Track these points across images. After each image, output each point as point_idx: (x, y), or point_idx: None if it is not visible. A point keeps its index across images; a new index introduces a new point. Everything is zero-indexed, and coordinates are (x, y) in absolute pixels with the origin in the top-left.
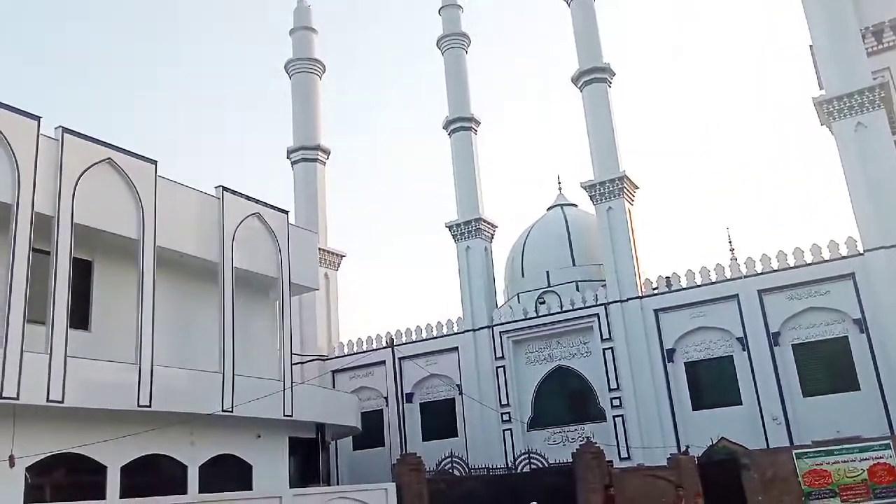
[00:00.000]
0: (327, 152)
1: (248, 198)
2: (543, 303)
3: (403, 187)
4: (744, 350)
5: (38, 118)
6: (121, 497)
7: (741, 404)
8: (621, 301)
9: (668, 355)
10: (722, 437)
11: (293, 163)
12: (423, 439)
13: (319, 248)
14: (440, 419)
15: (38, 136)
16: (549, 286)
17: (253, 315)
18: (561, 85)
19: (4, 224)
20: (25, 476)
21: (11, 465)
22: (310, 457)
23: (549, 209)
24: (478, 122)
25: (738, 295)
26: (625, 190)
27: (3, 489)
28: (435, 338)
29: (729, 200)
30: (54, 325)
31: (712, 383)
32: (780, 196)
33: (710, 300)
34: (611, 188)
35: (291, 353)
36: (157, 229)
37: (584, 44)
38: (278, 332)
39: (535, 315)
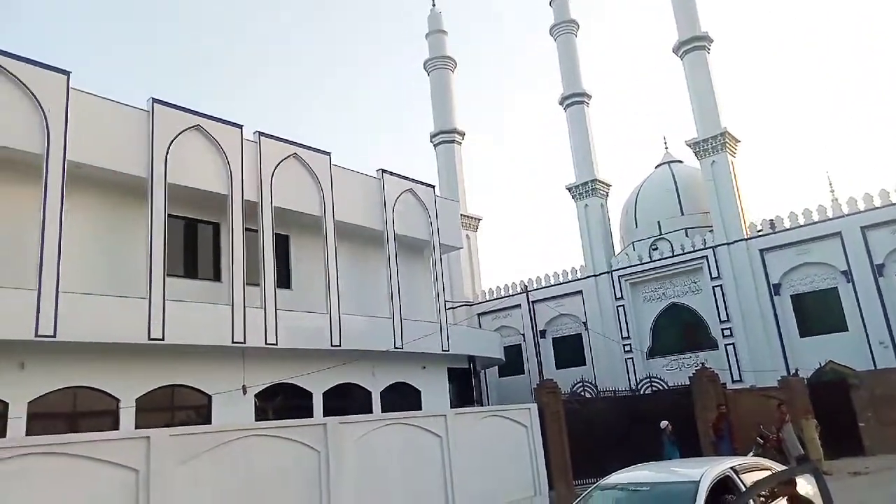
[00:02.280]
0: (462, 134)
1: (402, 177)
2: (656, 249)
3: (529, 156)
4: (848, 282)
5: (240, 126)
6: (325, 416)
7: (847, 331)
8: (728, 244)
9: (775, 289)
10: (829, 361)
11: (435, 145)
12: (556, 368)
13: (461, 214)
14: (570, 351)
15: (241, 139)
16: (661, 234)
17: (412, 271)
18: (662, 56)
19: (220, 210)
20: (254, 400)
21: (244, 392)
22: (464, 383)
23: (657, 166)
24: (589, 96)
25: (840, 232)
26: (727, 144)
27: (240, 410)
28: (561, 283)
29: (828, 144)
30: (265, 287)
31: (818, 313)
32: (878, 137)
33: (814, 238)
34: (713, 144)
35: (444, 301)
36: (335, 207)
37: (683, 15)
38: (433, 284)
39: (649, 260)
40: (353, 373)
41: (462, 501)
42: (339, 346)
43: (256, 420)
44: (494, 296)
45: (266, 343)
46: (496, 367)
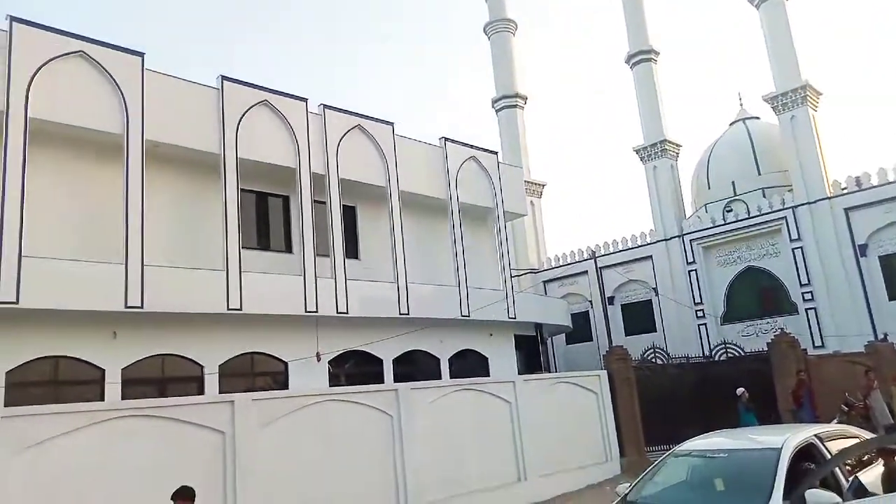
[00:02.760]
0: (525, 98)
1: (465, 144)
2: (730, 210)
3: (595, 118)
4: None
5: (305, 100)
6: (395, 381)
7: None
8: (809, 203)
9: (861, 250)
10: None
11: (497, 110)
12: (626, 335)
13: (525, 181)
14: (639, 317)
15: (307, 112)
16: (736, 195)
17: (476, 239)
18: (735, 7)
19: (288, 183)
20: (328, 367)
21: (318, 359)
22: (531, 350)
23: (731, 124)
24: (657, 53)
25: None
26: (807, 98)
27: (315, 376)
28: (630, 248)
29: None
30: (335, 257)
31: None
32: None
33: None
34: (793, 98)
35: (510, 268)
36: (399, 177)
37: None
38: (497, 252)
39: (723, 222)
40: (421, 340)
41: (533, 466)
42: (408, 314)
43: (330, 386)
44: (560, 263)
45: (337, 312)
46: (563, 334)
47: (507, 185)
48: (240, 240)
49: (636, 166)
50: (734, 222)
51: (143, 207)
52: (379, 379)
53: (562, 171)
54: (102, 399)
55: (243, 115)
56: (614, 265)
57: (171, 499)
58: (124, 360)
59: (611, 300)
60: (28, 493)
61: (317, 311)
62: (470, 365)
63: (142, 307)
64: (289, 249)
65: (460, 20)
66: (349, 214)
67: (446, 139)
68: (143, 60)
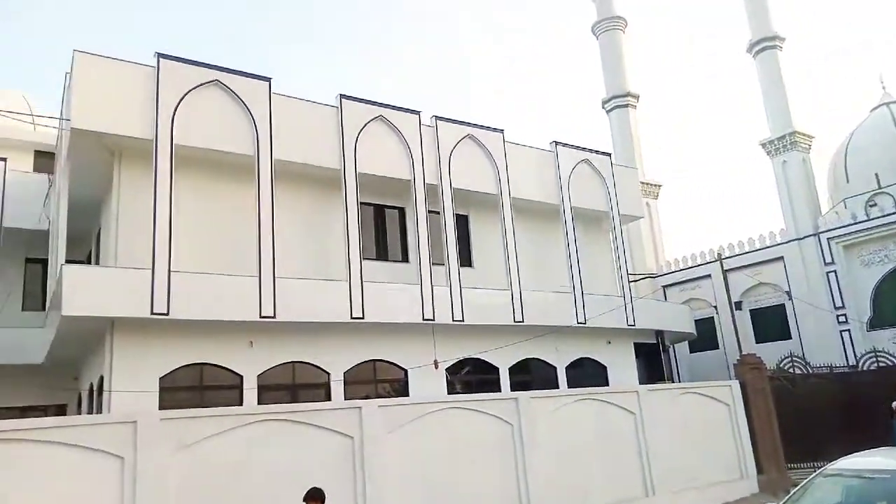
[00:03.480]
0: (636, 97)
1: (577, 147)
2: (875, 205)
3: (713, 113)
4: None
5: (417, 112)
6: (511, 390)
7: None
8: None
9: None
10: None
11: (608, 111)
12: (756, 342)
13: (640, 182)
14: (771, 323)
15: (420, 125)
16: (880, 188)
17: (590, 244)
18: None
19: (403, 195)
20: (445, 374)
21: (436, 367)
22: (652, 359)
23: (872, 110)
24: (782, 39)
25: None
26: None
27: (433, 383)
28: (758, 249)
29: None
30: (449, 266)
31: None
32: None
33: None
34: None
35: (627, 273)
36: (510, 184)
37: None
38: (613, 256)
39: (866, 218)
40: (536, 348)
41: (661, 481)
42: (522, 321)
43: (448, 393)
44: (680, 266)
45: (453, 320)
46: (686, 341)
47: (621, 187)
48: (360, 251)
49: (762, 161)
50: (879, 217)
51: (273, 223)
52: (495, 387)
53: (679, 171)
54: (241, 403)
55: (361, 130)
56: (741, 267)
57: (304, 500)
58: (259, 366)
59: (738, 305)
60: (185, 488)
61: (433, 319)
62: (587, 374)
63: (274, 317)
64: (405, 259)
65: (562, 21)
66: (462, 223)
67: (557, 143)
68: (269, 85)
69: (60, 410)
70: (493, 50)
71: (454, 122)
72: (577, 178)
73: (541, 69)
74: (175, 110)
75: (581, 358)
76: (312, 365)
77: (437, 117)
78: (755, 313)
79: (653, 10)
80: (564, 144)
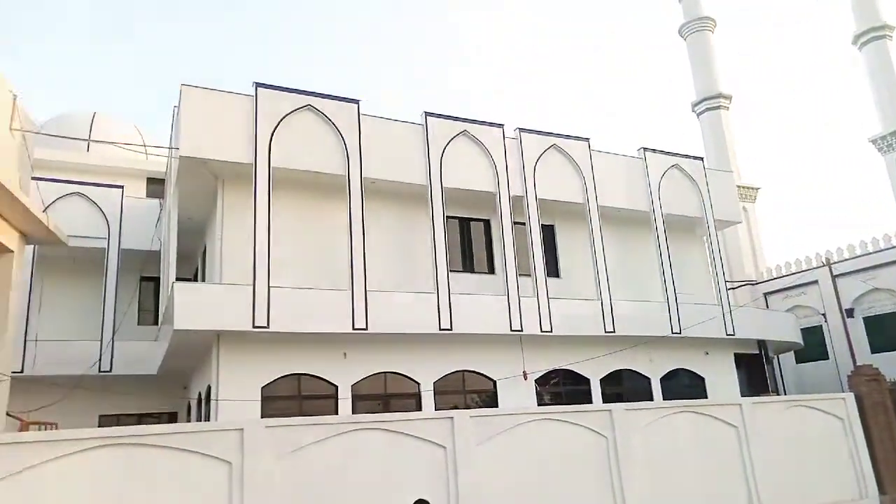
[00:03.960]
0: (729, 98)
1: (666, 152)
2: None
3: (812, 112)
4: None
5: (501, 125)
6: (603, 401)
7: None
8: None
9: None
10: None
11: (698, 114)
12: (872, 352)
13: (736, 185)
14: (889, 332)
15: (504, 137)
16: None
17: (683, 251)
18: None
19: (488, 207)
20: (535, 385)
21: (525, 378)
22: (755, 370)
23: None
24: (892, 28)
25: None
26: None
27: (522, 394)
28: (872, 253)
29: None
30: (536, 277)
31: None
32: None
33: None
34: None
35: (724, 281)
36: (597, 192)
37: None
38: (709, 264)
39: None
40: (629, 359)
41: (768, 497)
42: (613, 332)
43: (537, 404)
44: (783, 272)
45: (541, 330)
46: (792, 352)
47: (715, 191)
48: (447, 264)
49: (873, 159)
50: None
51: (364, 239)
52: (586, 398)
53: (778, 173)
54: (336, 412)
55: (446, 146)
56: (853, 272)
57: None
58: (353, 377)
59: (850, 312)
60: (287, 493)
61: (521, 330)
62: (684, 385)
63: (366, 329)
64: (491, 271)
65: (646, 25)
66: (548, 233)
67: (645, 149)
68: (358, 106)
69: (172, 418)
70: (568, 57)
71: (538, 132)
72: (668, 184)
73: (617, 76)
74: (272, 135)
75: (676, 369)
76: (403, 375)
77: (520, 129)
78: (870, 321)
79: (742, 6)
80: (654, 150)
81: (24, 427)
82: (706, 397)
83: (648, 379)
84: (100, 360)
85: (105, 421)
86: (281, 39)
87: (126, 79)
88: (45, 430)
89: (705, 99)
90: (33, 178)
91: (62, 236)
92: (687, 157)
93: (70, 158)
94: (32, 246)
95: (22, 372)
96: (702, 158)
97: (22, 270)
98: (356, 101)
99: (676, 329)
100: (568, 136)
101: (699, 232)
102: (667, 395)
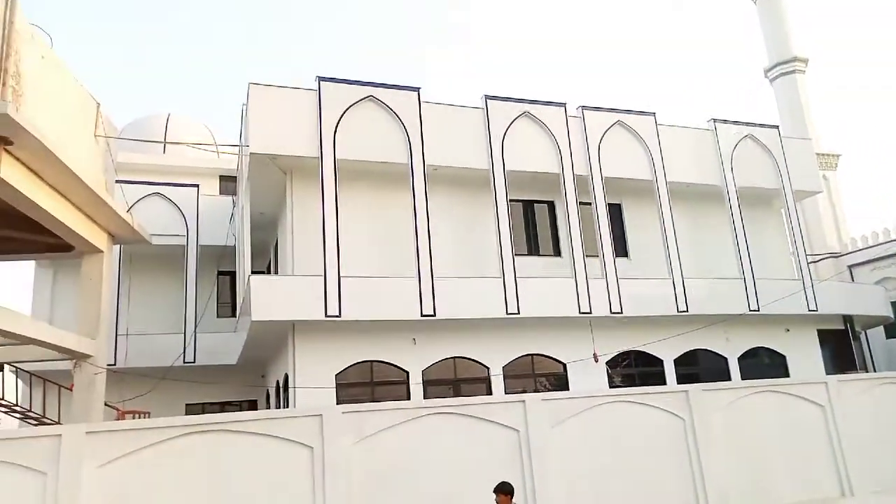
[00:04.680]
0: (805, 61)
1: (738, 122)
2: None
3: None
4: None
5: (563, 104)
6: (677, 382)
7: None
8: None
9: None
10: None
11: (771, 80)
12: None
13: (815, 153)
14: None
15: (566, 116)
16: None
17: (759, 225)
18: None
19: (552, 188)
20: (606, 368)
21: (595, 360)
22: (840, 347)
23: None
24: None
25: None
26: None
27: (593, 377)
28: None
29: None
30: (604, 257)
31: None
32: None
33: None
34: None
35: (805, 254)
36: (665, 168)
37: None
38: (788, 237)
39: None
40: (704, 338)
41: (860, 481)
42: (686, 311)
43: (609, 387)
44: (869, 243)
45: (611, 312)
46: (881, 326)
47: (793, 161)
48: (512, 247)
49: None
50: None
51: (428, 226)
52: (659, 380)
53: (860, 139)
54: (408, 397)
55: (507, 129)
56: None
57: (494, 492)
58: (423, 362)
59: None
60: (365, 476)
61: (590, 312)
62: (763, 364)
63: (434, 315)
64: (557, 253)
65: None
66: (615, 212)
67: (716, 120)
68: (418, 94)
69: (252, 405)
70: (626, 29)
71: (602, 109)
72: (741, 156)
73: (680, 47)
74: (336, 127)
75: (755, 347)
76: (472, 360)
77: (583, 107)
78: None
79: None
80: (724, 121)
81: (121, 416)
82: (788, 376)
83: (725, 358)
84: (184, 352)
85: (190, 409)
86: (266, 28)
87: (168, 76)
88: (139, 418)
89: (778, 63)
90: (117, 182)
91: (146, 235)
92: (761, 125)
93: (148, 160)
94: (119, 246)
95: (115, 365)
96: (777, 127)
97: (111, 269)
98: (416, 89)
99: (754, 306)
100: (633, 112)
101: (776, 204)
102: (745, 375)
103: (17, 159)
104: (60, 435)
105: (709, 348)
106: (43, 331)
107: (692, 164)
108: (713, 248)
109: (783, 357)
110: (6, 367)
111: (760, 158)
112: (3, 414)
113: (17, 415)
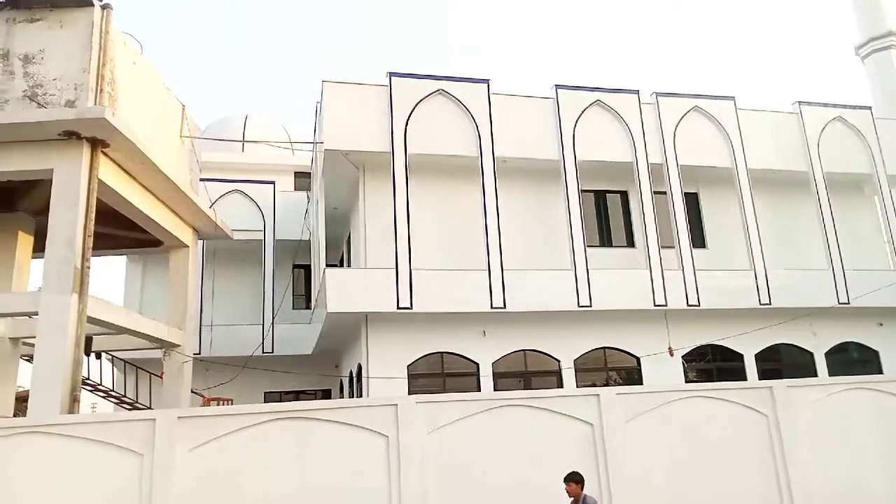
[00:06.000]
0: None
1: (826, 104)
2: None
3: None
4: None
5: (636, 91)
6: (759, 378)
7: None
8: None
9: None
10: None
11: (863, 58)
12: None
13: None
14: None
15: (639, 103)
16: None
17: (849, 212)
18: None
19: (625, 178)
20: (682, 362)
21: (671, 354)
22: None
23: None
24: None
25: None
26: None
27: (668, 371)
28: None
29: None
30: (680, 248)
31: None
32: None
33: None
34: None
35: None
36: (745, 154)
37: None
38: (882, 224)
39: None
40: (788, 332)
41: None
42: (769, 304)
43: (685, 382)
44: None
45: (687, 305)
46: None
47: (887, 143)
48: (584, 239)
49: None
50: None
51: (498, 218)
52: (738, 375)
53: None
54: (478, 389)
55: (578, 118)
56: None
57: (564, 481)
58: (493, 355)
59: None
60: (438, 465)
61: (666, 305)
62: (853, 360)
63: (504, 308)
64: (631, 244)
65: None
66: (692, 202)
67: (801, 102)
68: (488, 86)
69: (326, 394)
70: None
71: (678, 95)
72: (829, 139)
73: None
74: (407, 122)
75: (844, 342)
76: (543, 353)
77: (657, 93)
78: None
79: None
80: (810, 103)
81: (206, 402)
82: (881, 373)
83: (811, 353)
84: (262, 342)
85: (269, 397)
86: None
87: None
88: (223, 405)
89: (871, 39)
90: (200, 180)
91: (228, 231)
92: (851, 107)
93: (228, 159)
94: (202, 241)
95: (200, 354)
96: (869, 108)
97: (196, 264)
98: (486, 81)
99: (844, 299)
100: (711, 97)
101: (868, 190)
102: (833, 371)
103: (113, 160)
104: (155, 419)
105: (793, 343)
106: (140, 322)
107: (775, 150)
108: (798, 237)
109: (876, 353)
110: (104, 355)
111: (851, 142)
112: (101, 398)
113: (114, 399)
